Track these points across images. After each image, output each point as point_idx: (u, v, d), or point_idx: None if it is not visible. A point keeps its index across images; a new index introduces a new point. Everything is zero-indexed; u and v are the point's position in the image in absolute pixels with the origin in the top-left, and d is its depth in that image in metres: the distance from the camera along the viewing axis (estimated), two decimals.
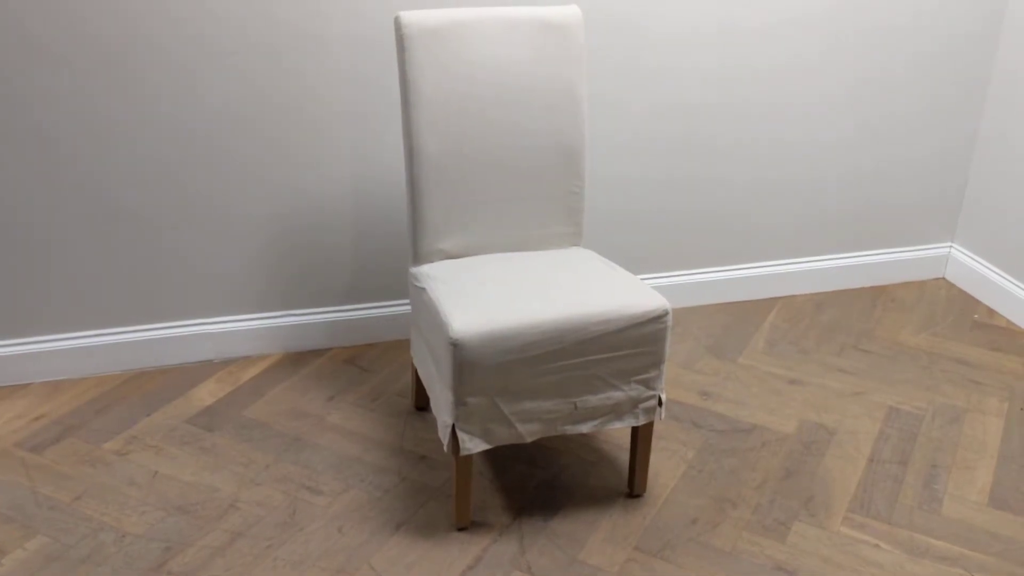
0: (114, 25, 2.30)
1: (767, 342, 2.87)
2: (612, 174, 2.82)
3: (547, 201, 2.27)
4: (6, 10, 2.22)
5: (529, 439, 2.00)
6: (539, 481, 2.23)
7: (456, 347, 1.86)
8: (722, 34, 2.73)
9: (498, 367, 1.90)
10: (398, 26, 2.08)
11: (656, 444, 2.35)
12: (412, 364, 2.41)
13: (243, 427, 2.41)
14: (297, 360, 2.73)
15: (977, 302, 3.14)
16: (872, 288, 3.23)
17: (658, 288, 2.91)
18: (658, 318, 1.97)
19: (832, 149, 3.01)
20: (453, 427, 1.94)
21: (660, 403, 2.07)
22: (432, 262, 2.22)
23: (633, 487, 2.17)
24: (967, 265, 3.20)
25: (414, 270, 2.21)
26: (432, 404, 2.12)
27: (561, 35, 2.19)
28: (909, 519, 2.13)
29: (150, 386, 2.59)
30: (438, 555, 2.00)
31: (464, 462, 2.00)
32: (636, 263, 2.93)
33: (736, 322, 2.98)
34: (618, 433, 2.40)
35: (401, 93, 2.13)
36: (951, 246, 3.28)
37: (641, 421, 2.07)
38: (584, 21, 2.27)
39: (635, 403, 2.04)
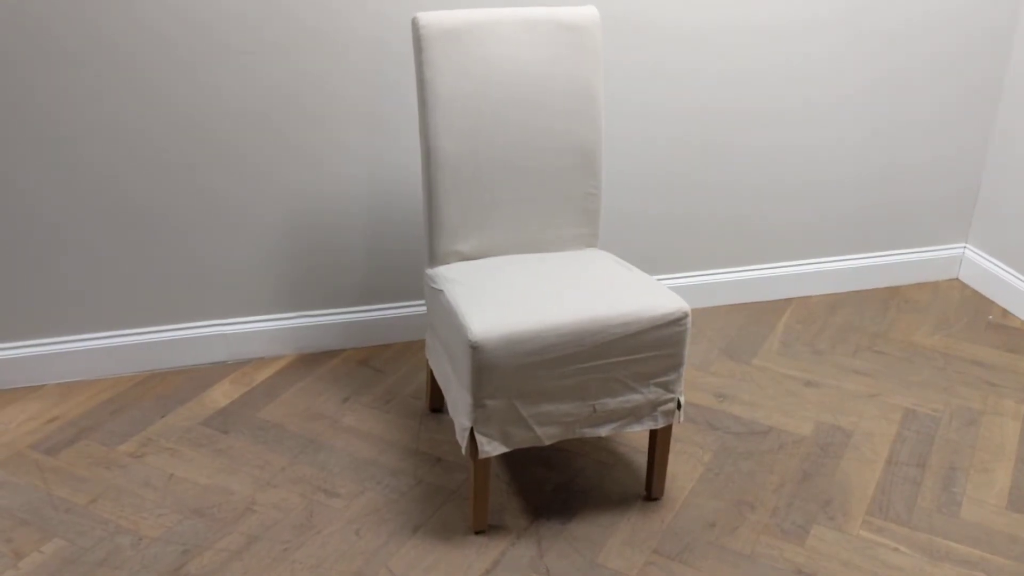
0: (128, 25, 2.29)
1: (781, 343, 2.86)
2: (627, 175, 2.81)
3: (563, 202, 2.26)
4: (23, 12, 2.22)
5: (547, 442, 2.00)
6: (556, 484, 2.22)
7: (475, 350, 1.85)
8: (738, 35, 2.72)
9: (517, 370, 1.89)
10: (416, 27, 2.07)
11: (672, 446, 2.34)
12: (427, 365, 2.40)
13: (258, 429, 2.41)
14: (311, 361, 2.73)
15: (991, 303, 3.13)
16: (886, 289, 3.22)
17: (672, 289, 2.90)
18: (677, 320, 1.96)
19: (846, 150, 2.99)
20: (471, 430, 1.93)
21: (679, 406, 2.06)
22: (448, 263, 2.21)
23: (651, 490, 2.16)
24: (981, 266, 3.18)
25: (430, 272, 2.20)
26: (449, 406, 2.11)
27: (578, 36, 2.18)
28: (928, 522, 2.12)
29: (164, 388, 2.58)
30: (456, 558, 1.99)
31: (482, 465, 1.99)
32: (649, 263, 2.92)
33: (750, 323, 2.98)
34: (635, 435, 2.39)
35: (418, 94, 2.12)
36: (965, 247, 3.27)
37: (660, 424, 2.06)
38: (601, 22, 2.26)
39: (654, 406, 2.04)
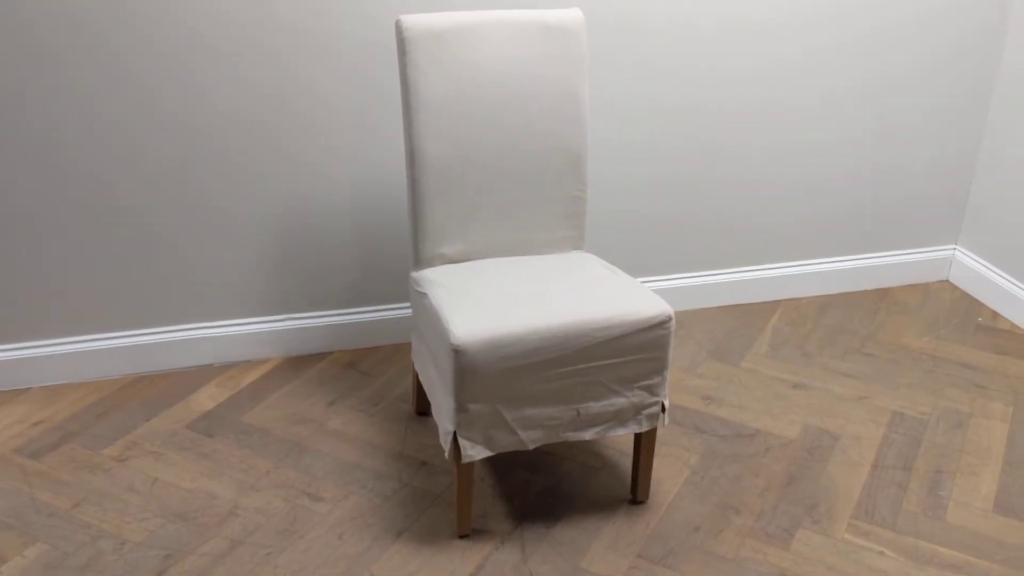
0: (116, 26, 2.29)
1: (770, 346, 2.86)
2: (614, 177, 2.81)
3: (549, 205, 2.26)
4: (10, 12, 2.21)
5: (531, 446, 1.99)
6: (541, 488, 2.22)
7: (458, 354, 1.85)
8: (724, 35, 2.72)
9: (500, 373, 1.89)
10: (399, 29, 2.07)
11: (659, 449, 2.34)
12: (413, 368, 2.39)
13: (243, 432, 2.40)
14: (297, 364, 2.72)
15: (981, 305, 3.13)
16: (876, 291, 3.22)
17: (659, 291, 2.90)
18: (661, 324, 1.96)
19: (836, 151, 2.99)
20: (455, 434, 1.93)
21: (663, 410, 2.05)
22: (433, 266, 2.20)
23: (636, 494, 2.16)
24: (971, 268, 3.18)
25: (415, 275, 2.19)
26: (433, 410, 2.11)
27: (563, 38, 2.17)
28: (914, 526, 2.11)
29: (150, 391, 2.58)
30: (440, 563, 1.98)
31: (465, 469, 1.98)
32: (638, 266, 2.91)
33: (739, 325, 2.97)
34: (620, 439, 2.38)
35: (402, 96, 2.11)
36: (955, 248, 3.26)
37: (644, 428, 2.05)
38: (586, 23, 2.25)
39: (638, 410, 2.03)
